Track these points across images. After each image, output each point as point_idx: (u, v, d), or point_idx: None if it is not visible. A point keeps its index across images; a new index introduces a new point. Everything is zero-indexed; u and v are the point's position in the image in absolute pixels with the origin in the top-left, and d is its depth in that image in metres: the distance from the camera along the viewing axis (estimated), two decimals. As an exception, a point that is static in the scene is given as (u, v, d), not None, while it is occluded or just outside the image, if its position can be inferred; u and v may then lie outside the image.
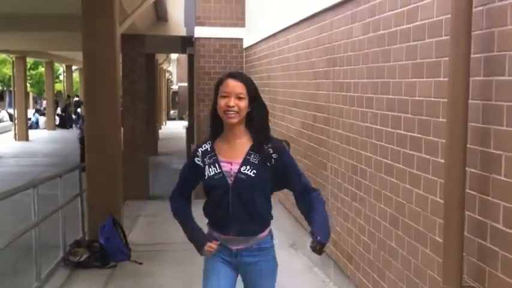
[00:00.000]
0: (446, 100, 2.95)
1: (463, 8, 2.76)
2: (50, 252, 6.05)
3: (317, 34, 5.78)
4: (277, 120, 7.78)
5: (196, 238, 2.99)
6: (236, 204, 2.85)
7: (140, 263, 6.35)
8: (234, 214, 2.87)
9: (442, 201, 3.06)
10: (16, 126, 23.65)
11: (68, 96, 33.68)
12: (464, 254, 2.91)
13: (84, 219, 7.12)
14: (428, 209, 3.43)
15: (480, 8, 2.82)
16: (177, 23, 13.24)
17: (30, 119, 27.64)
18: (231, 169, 2.87)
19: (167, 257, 6.62)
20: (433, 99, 3.35)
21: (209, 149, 2.94)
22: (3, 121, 31.00)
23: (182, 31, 12.48)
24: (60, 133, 27.55)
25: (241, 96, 2.81)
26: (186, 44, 13.97)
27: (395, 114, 3.88)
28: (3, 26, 13.06)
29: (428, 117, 3.40)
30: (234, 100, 2.80)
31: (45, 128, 28.92)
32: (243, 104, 2.82)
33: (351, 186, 4.81)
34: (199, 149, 2.97)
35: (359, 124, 4.58)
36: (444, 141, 2.99)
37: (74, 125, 30.11)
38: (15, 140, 23.19)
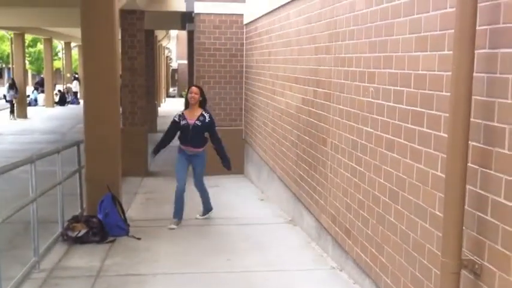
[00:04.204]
0: (450, 73, 2.90)
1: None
2: (48, 227, 6.05)
3: (319, 8, 5.70)
4: (277, 97, 7.73)
5: (157, 147, 7.25)
6: (193, 135, 6.97)
7: (138, 238, 6.36)
8: (191, 138, 6.99)
9: (443, 175, 3.04)
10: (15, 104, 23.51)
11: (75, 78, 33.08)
12: (464, 227, 2.90)
13: (83, 195, 7.10)
14: (429, 184, 3.40)
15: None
16: (177, -2, 13.08)
17: (29, 96, 27.51)
18: (191, 122, 6.98)
19: (164, 233, 6.64)
20: (436, 72, 3.31)
21: (181, 114, 7.11)
22: (1, 98, 30.85)
23: (182, 6, 12.32)
24: (59, 110, 27.45)
25: (197, 93, 7.04)
26: (186, 20, 13.80)
27: (398, 88, 3.83)
28: (1, 1, 12.84)
29: (432, 91, 3.36)
30: (195, 95, 7.03)
31: (43, 105, 28.80)
32: (197, 96, 7.05)
33: (350, 162, 4.79)
34: (178, 114, 7.15)
35: (360, 99, 4.54)
36: (447, 115, 2.95)
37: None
38: (14, 118, 23.06)
